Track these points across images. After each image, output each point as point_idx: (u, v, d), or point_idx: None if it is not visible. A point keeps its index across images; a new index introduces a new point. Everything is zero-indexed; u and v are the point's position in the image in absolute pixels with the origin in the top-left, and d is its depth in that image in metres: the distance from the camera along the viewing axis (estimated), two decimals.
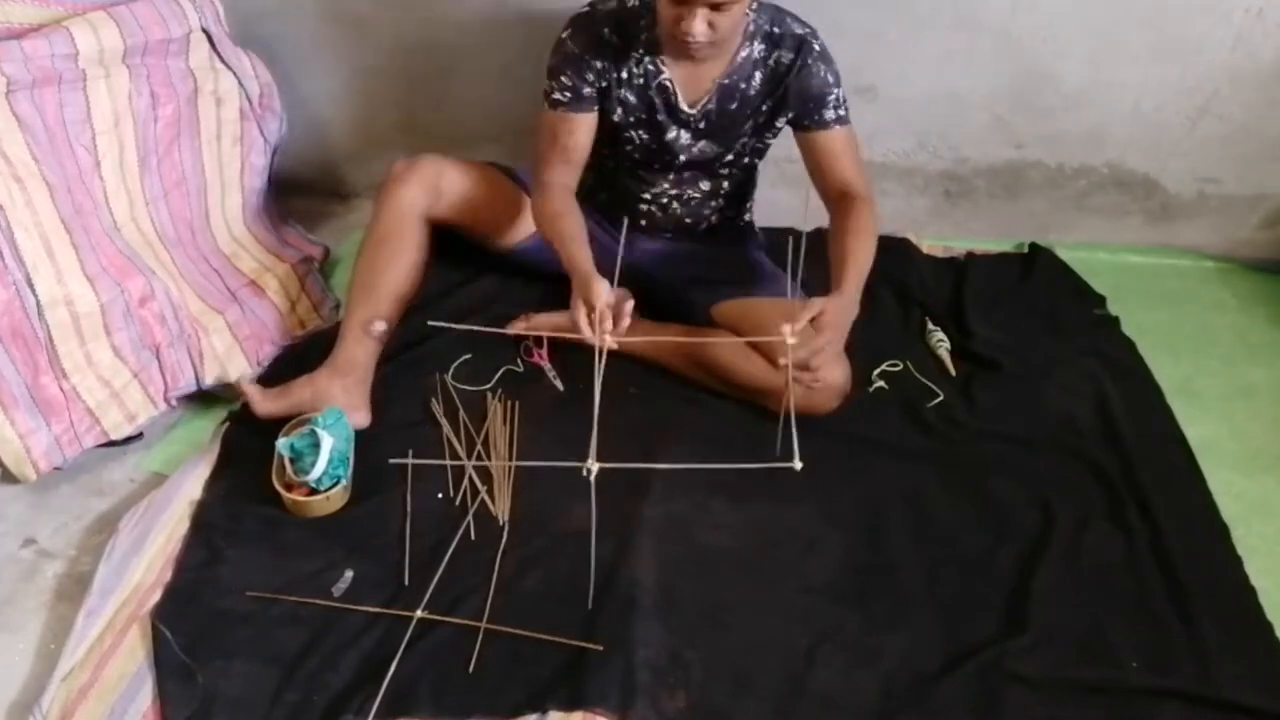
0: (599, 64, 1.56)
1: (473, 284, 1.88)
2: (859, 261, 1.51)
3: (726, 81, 1.57)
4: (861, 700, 1.24)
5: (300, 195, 2.16)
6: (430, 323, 1.49)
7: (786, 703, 1.24)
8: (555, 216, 1.55)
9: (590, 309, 1.38)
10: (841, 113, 1.60)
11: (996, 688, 1.25)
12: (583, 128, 1.61)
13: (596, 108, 1.60)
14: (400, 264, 1.66)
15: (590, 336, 1.36)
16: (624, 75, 1.58)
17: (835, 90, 1.59)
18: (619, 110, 1.61)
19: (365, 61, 2.02)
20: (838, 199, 1.60)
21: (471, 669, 1.25)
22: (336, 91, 2.07)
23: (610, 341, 1.35)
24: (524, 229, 1.77)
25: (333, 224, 2.17)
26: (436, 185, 1.68)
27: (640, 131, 1.63)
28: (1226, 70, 1.87)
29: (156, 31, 1.54)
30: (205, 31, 1.65)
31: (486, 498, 1.48)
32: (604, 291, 1.38)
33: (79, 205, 1.49)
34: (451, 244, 1.81)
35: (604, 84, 1.58)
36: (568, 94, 1.58)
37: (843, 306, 1.45)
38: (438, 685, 1.23)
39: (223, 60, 1.71)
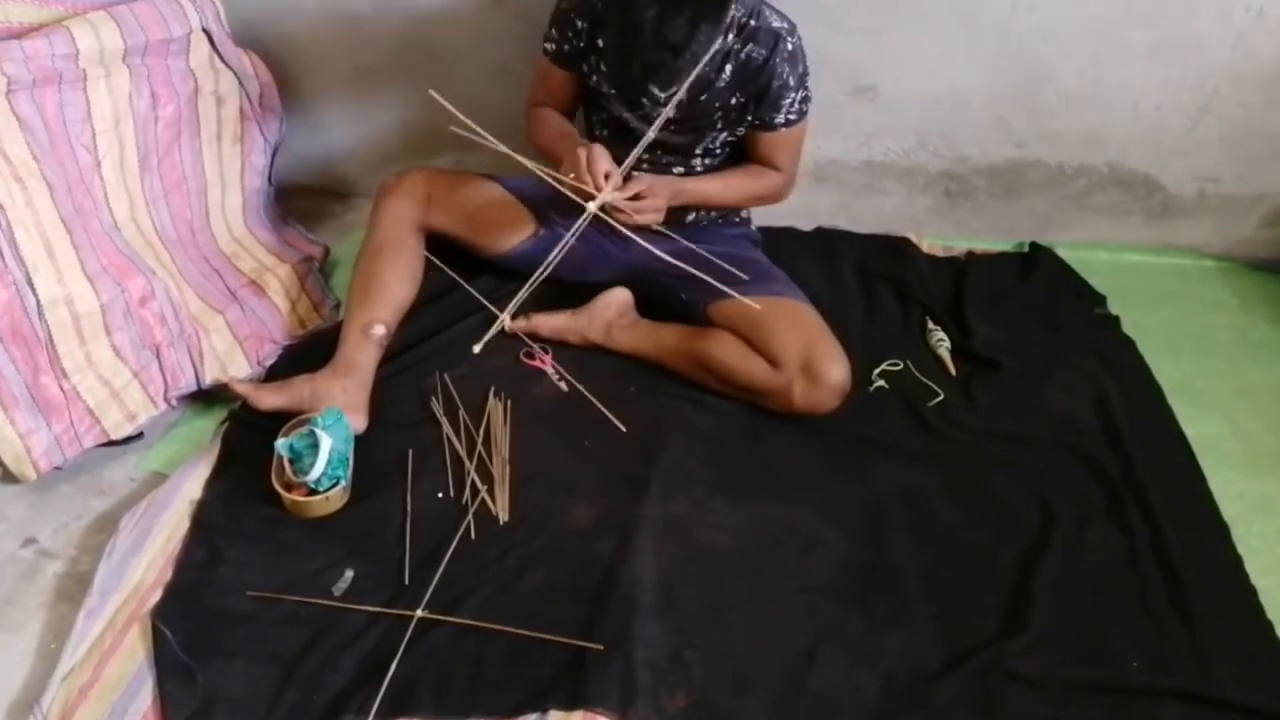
0: (580, 24, 1.59)
1: (470, 284, 1.87)
2: (717, 178, 1.67)
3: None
4: (861, 700, 1.24)
5: (300, 195, 2.16)
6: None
7: (786, 702, 1.24)
8: (541, 125, 1.68)
9: (577, 161, 1.47)
10: (792, 116, 1.62)
11: (996, 688, 1.25)
12: (563, 81, 1.68)
13: (575, 70, 1.66)
14: (396, 271, 1.69)
15: (582, 177, 1.46)
16: (600, 44, 1.59)
17: (792, 94, 1.59)
18: (594, 76, 1.63)
19: (365, 61, 2.02)
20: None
21: (471, 669, 1.25)
22: (336, 91, 2.07)
23: (605, 192, 1.46)
24: (516, 235, 1.78)
25: (333, 224, 2.17)
26: (426, 195, 1.73)
27: (612, 105, 1.64)
28: (1226, 70, 1.87)
29: (157, 31, 1.54)
30: (205, 31, 1.65)
31: (486, 497, 1.48)
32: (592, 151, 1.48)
33: (79, 205, 1.49)
34: (449, 247, 1.82)
35: (581, 44, 1.61)
36: (552, 45, 1.64)
37: (670, 181, 1.62)
38: (438, 685, 1.23)
39: (223, 60, 1.71)
